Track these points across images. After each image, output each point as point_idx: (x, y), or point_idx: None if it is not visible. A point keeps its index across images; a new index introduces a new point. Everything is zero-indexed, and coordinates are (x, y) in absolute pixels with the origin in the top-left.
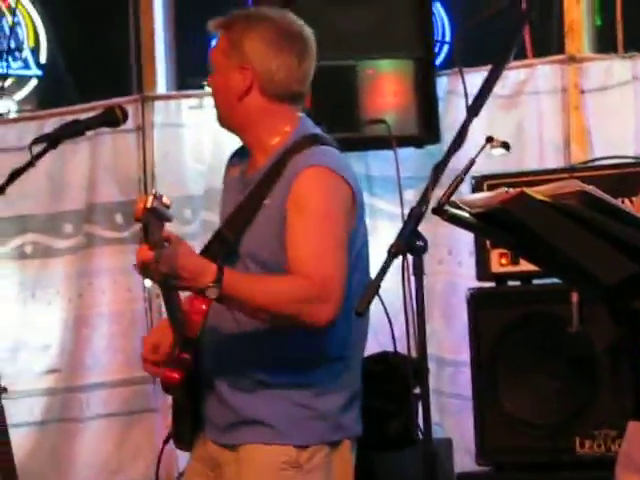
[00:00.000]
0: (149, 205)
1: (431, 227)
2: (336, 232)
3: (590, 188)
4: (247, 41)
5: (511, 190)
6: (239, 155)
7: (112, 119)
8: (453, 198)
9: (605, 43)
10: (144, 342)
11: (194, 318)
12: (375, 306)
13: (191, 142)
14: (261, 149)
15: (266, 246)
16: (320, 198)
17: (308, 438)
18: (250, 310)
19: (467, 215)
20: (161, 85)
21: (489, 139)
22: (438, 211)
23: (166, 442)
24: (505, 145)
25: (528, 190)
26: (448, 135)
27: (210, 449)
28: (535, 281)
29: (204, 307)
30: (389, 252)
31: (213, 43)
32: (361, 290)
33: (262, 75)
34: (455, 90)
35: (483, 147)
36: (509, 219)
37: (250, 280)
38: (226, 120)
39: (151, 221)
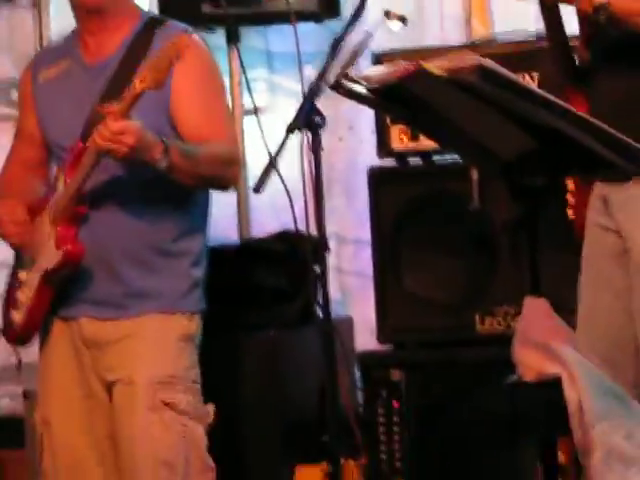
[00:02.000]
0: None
1: (332, 103)
2: (224, 97)
3: (488, 62)
4: None
5: (408, 64)
6: (45, 59)
7: None
8: (352, 73)
9: None
10: None
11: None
12: (275, 184)
13: None
14: (111, 30)
15: (152, 125)
16: (207, 65)
17: (192, 306)
18: (190, 175)
19: (365, 90)
20: None
21: (386, 13)
22: (335, 87)
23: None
24: (402, 19)
25: (425, 64)
26: (348, 10)
27: (87, 328)
28: (435, 158)
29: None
30: (288, 128)
31: None
32: None
33: None
34: None
35: (381, 21)
36: (408, 94)
37: (189, 148)
38: (114, 3)
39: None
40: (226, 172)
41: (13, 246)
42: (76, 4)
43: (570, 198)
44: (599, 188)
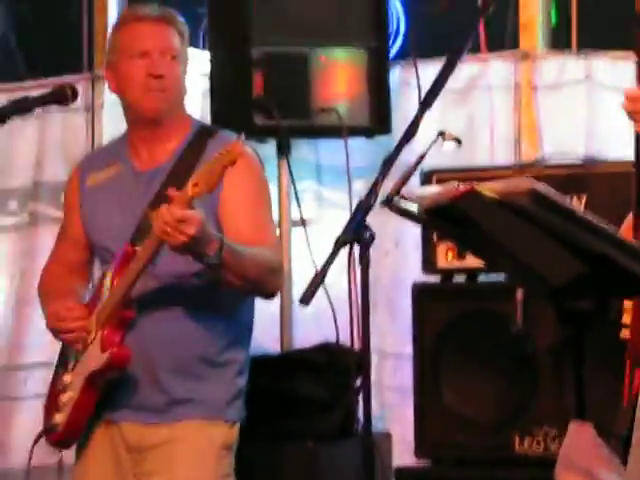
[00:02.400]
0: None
1: (379, 219)
2: (270, 207)
3: (541, 186)
4: (187, 39)
5: (462, 185)
6: (94, 163)
7: (62, 97)
8: (402, 191)
9: (560, 41)
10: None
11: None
12: (318, 296)
13: None
14: (164, 139)
15: None
16: (257, 175)
17: (234, 415)
18: (238, 276)
19: (416, 209)
20: None
21: (441, 133)
22: (387, 204)
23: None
24: (457, 140)
25: (479, 186)
26: (399, 126)
27: (128, 433)
28: (480, 277)
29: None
30: (336, 242)
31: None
32: None
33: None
34: (408, 81)
35: (435, 141)
36: (458, 214)
37: (241, 248)
38: (172, 107)
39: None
40: (271, 278)
41: (69, 343)
42: (137, 113)
43: (626, 319)
44: None
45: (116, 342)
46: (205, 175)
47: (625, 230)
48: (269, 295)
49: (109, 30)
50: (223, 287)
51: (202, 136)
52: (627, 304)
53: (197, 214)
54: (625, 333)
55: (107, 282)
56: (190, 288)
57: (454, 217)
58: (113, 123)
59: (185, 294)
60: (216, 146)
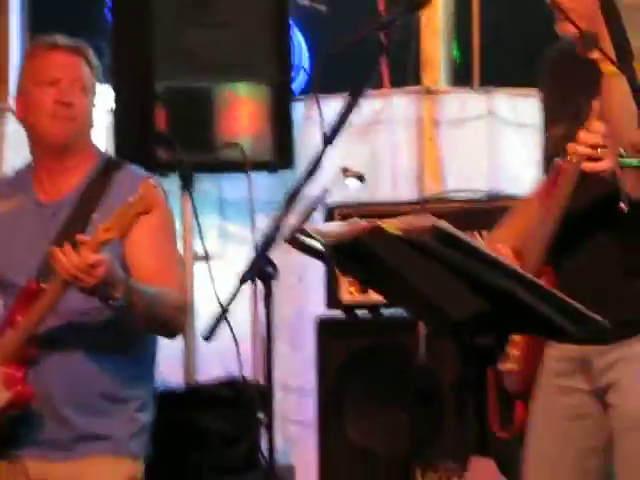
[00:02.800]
0: None
1: (282, 252)
2: (176, 243)
3: (443, 224)
4: (98, 73)
5: (365, 222)
6: None
7: None
8: (305, 227)
9: (461, 76)
10: None
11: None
12: (223, 330)
13: None
14: (69, 170)
15: None
16: (163, 211)
17: (139, 450)
18: (144, 317)
19: (319, 245)
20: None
21: (344, 170)
22: (290, 240)
23: None
24: (359, 176)
25: (381, 223)
26: (303, 161)
27: (33, 470)
28: (384, 311)
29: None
30: (239, 278)
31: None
32: None
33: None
34: (311, 116)
35: (338, 177)
36: (361, 250)
37: (147, 289)
38: (79, 137)
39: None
40: (176, 318)
41: None
42: (43, 141)
43: (514, 351)
44: (571, 351)
45: (19, 379)
46: (118, 221)
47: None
48: (174, 334)
49: (10, 63)
50: (127, 326)
51: (108, 169)
52: (514, 336)
53: (106, 258)
54: (508, 365)
55: (10, 318)
56: (92, 325)
57: (357, 253)
58: (16, 154)
59: (87, 331)
60: (122, 180)
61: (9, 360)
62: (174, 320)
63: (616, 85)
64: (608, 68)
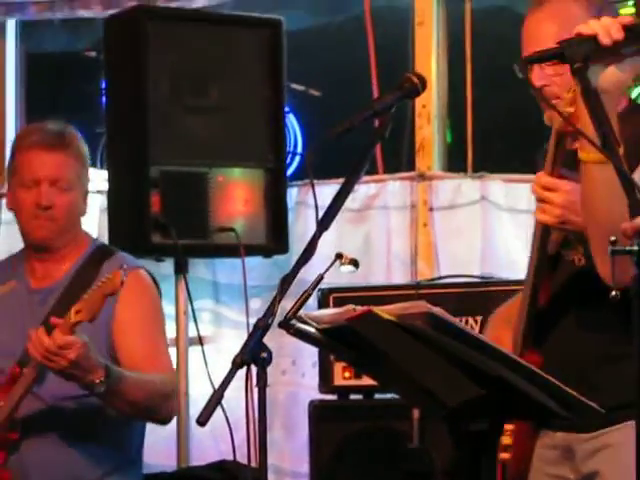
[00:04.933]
0: None
1: (276, 337)
2: (164, 330)
3: (436, 310)
4: (86, 161)
5: (359, 308)
6: None
7: None
8: (299, 312)
9: (455, 162)
10: None
11: None
12: (217, 414)
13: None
14: (59, 258)
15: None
16: (151, 298)
17: None
18: (127, 403)
19: (313, 330)
20: None
21: (339, 256)
22: (284, 325)
23: None
24: (354, 262)
25: (375, 308)
26: (297, 245)
27: None
28: (377, 395)
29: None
30: (233, 363)
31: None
32: None
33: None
34: (305, 201)
35: (332, 263)
36: (355, 336)
37: (129, 377)
38: (63, 233)
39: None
40: (163, 405)
41: None
42: (26, 238)
43: (506, 440)
44: (556, 438)
45: None
46: (87, 303)
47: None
48: (162, 422)
49: (6, 147)
50: (110, 413)
51: (98, 256)
52: (507, 426)
53: (79, 339)
54: (504, 455)
55: None
56: (73, 412)
57: (350, 338)
58: (8, 239)
59: (68, 417)
60: (112, 268)
61: None
62: (160, 407)
63: (597, 174)
64: (588, 155)
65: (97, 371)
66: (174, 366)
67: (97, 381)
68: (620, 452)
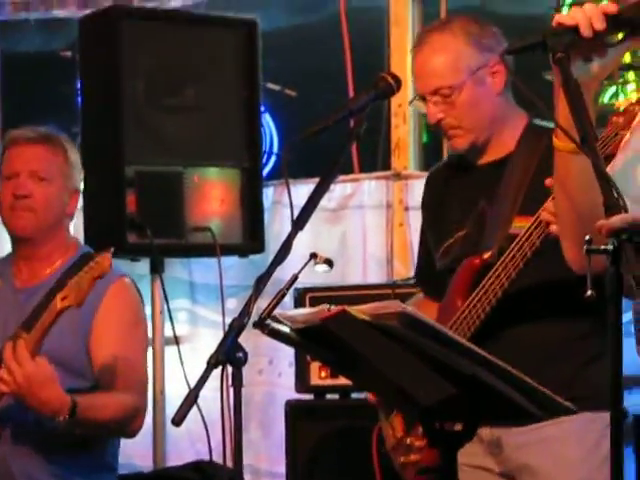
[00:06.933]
0: None
1: (252, 336)
2: (145, 342)
3: (410, 309)
4: (73, 162)
5: (333, 307)
6: None
7: None
8: (274, 312)
9: (431, 161)
10: None
11: None
12: (192, 414)
13: None
14: (43, 259)
15: (68, 347)
16: (132, 307)
17: None
18: (91, 428)
19: (288, 330)
20: None
21: (313, 255)
22: (259, 325)
23: None
24: (328, 262)
25: (349, 308)
26: (273, 245)
27: None
28: (353, 395)
29: None
30: (208, 363)
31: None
32: None
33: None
34: (281, 201)
35: (307, 263)
36: (330, 336)
37: (96, 402)
38: (44, 226)
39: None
40: (129, 424)
41: None
42: (9, 232)
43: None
44: (481, 432)
45: None
46: (74, 288)
47: None
48: (127, 437)
49: None
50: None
51: (85, 261)
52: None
53: (44, 364)
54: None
55: None
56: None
57: (326, 339)
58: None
59: (42, 420)
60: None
61: None
62: (126, 426)
63: (572, 163)
64: (564, 145)
65: (60, 408)
66: (149, 373)
67: (61, 414)
68: (555, 446)
